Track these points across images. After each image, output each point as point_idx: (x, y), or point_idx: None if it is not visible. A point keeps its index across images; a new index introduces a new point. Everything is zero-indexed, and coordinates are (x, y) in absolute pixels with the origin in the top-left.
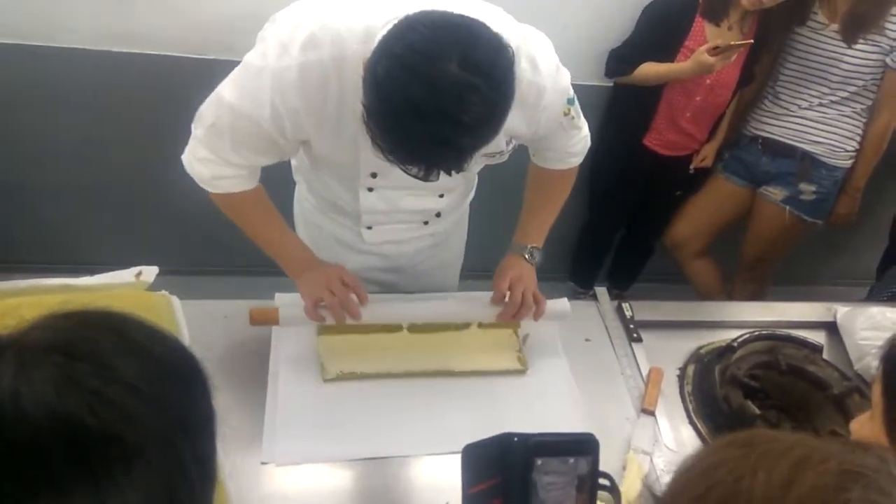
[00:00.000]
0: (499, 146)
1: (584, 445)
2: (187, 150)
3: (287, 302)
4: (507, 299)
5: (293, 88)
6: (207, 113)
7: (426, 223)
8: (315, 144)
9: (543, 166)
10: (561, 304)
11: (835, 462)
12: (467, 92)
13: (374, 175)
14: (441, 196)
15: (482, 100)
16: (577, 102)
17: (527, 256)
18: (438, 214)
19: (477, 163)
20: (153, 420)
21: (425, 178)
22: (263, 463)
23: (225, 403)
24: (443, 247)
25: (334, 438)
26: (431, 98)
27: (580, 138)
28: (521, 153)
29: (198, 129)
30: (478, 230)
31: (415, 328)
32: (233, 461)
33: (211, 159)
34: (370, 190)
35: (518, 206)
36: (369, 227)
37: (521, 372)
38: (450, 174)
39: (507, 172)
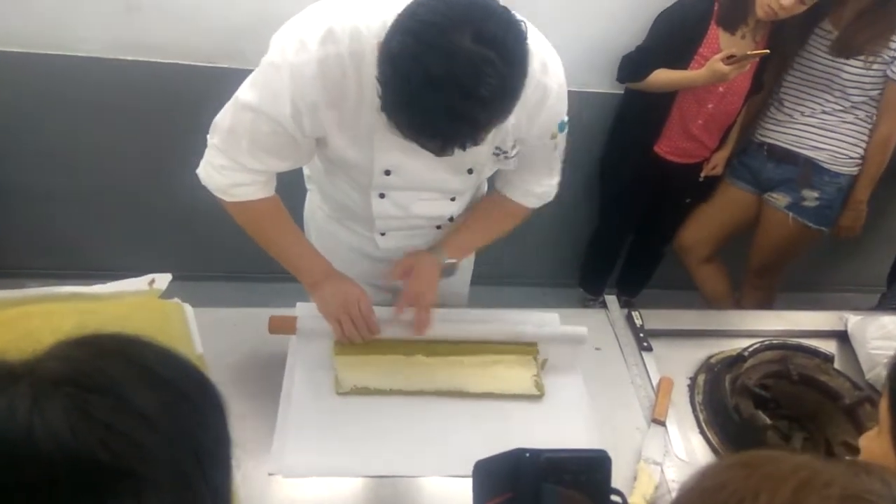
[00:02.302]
0: (505, 143)
1: (595, 462)
2: (203, 160)
3: (307, 313)
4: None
5: (312, 83)
6: (224, 119)
7: (439, 227)
8: (332, 142)
9: (503, 193)
10: (579, 331)
11: (838, 487)
12: (483, 65)
13: (388, 173)
14: (453, 199)
15: (496, 72)
16: (565, 140)
17: (441, 263)
18: (451, 219)
19: (489, 163)
20: (167, 452)
21: (441, 153)
22: (271, 474)
23: (236, 412)
24: None
25: (343, 454)
26: (447, 70)
27: (548, 183)
28: None
29: (214, 138)
30: None
31: (432, 352)
32: (244, 469)
33: (228, 166)
34: (382, 196)
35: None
36: (383, 234)
37: (537, 397)
38: (464, 149)
39: None
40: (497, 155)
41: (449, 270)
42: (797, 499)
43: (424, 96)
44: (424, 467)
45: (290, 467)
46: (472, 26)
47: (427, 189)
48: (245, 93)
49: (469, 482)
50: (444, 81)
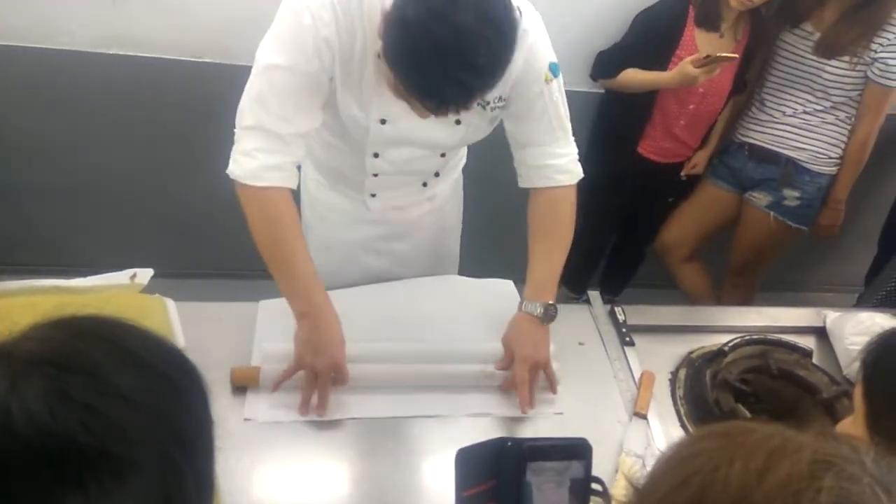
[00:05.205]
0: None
1: (577, 450)
2: (231, 156)
3: (269, 311)
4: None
5: (330, 25)
6: (249, 91)
7: (425, 185)
8: (337, 90)
9: (529, 186)
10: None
11: (808, 451)
12: (480, 41)
13: (383, 122)
14: (443, 155)
15: (490, 49)
16: (562, 92)
17: (539, 314)
18: (437, 174)
19: (474, 115)
20: (149, 434)
21: (437, 112)
22: (247, 420)
23: (218, 406)
24: (442, 212)
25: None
26: (453, 40)
27: (564, 152)
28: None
29: (243, 120)
30: (472, 230)
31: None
32: (224, 463)
33: (259, 147)
34: (376, 156)
35: (511, 202)
36: (373, 195)
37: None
38: (457, 112)
39: (501, 169)
40: (482, 107)
41: (549, 315)
42: (770, 464)
43: (430, 61)
44: (389, 410)
45: (264, 413)
46: (476, 8)
47: (418, 145)
48: (264, 55)
49: (451, 474)
50: (448, 50)
